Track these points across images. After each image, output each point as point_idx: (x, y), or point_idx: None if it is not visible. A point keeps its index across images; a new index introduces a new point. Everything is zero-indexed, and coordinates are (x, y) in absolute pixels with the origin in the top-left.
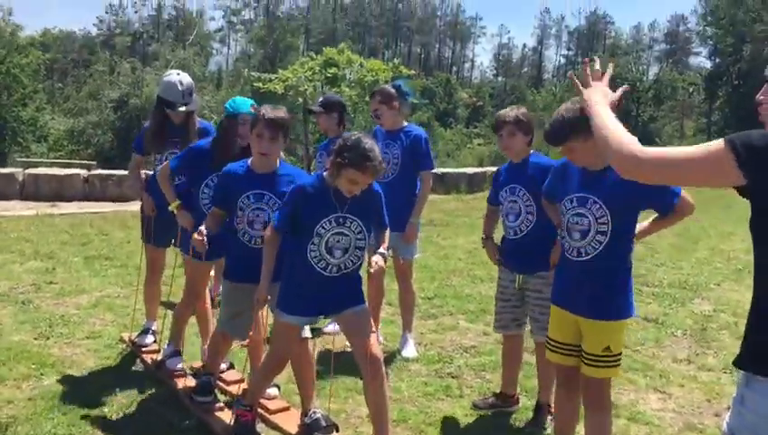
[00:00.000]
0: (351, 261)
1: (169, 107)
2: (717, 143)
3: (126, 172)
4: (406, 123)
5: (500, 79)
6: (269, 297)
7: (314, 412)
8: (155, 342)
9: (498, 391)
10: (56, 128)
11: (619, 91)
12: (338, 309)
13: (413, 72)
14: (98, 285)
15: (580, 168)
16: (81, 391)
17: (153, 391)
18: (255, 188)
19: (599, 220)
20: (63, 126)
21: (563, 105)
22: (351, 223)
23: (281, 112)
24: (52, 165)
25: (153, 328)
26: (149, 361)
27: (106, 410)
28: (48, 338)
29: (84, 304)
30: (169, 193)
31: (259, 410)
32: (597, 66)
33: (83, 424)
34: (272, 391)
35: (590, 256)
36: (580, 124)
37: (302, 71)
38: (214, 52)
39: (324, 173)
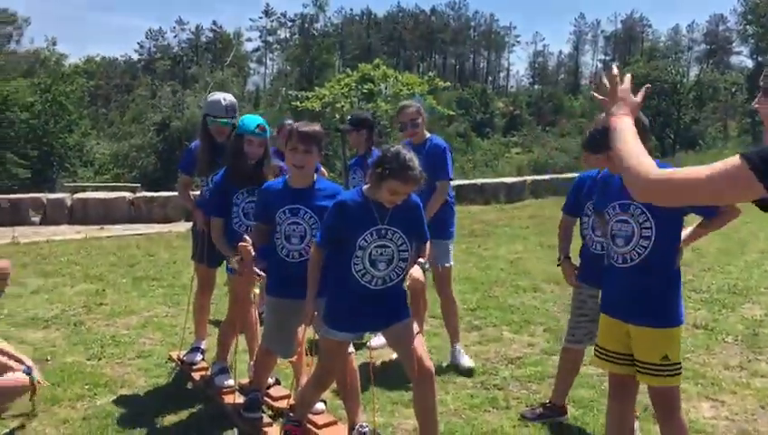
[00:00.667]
0: (396, 273)
1: (213, 120)
2: (733, 160)
3: (170, 194)
4: (428, 134)
5: (536, 87)
6: (316, 313)
7: (361, 426)
8: (203, 359)
9: (547, 401)
10: (101, 152)
11: (641, 93)
12: (385, 324)
13: (448, 84)
14: (146, 306)
15: (619, 176)
16: (134, 409)
17: (202, 408)
18: (291, 202)
19: (642, 226)
20: (108, 150)
21: (602, 114)
22: (393, 234)
23: (315, 126)
24: (98, 189)
25: (202, 346)
26: (198, 378)
27: (158, 428)
28: (100, 359)
29: (134, 325)
30: (226, 249)
31: (306, 425)
32: (615, 71)
33: None
34: (319, 405)
35: (634, 262)
36: None
37: (339, 87)
38: (251, 72)
39: (364, 187)
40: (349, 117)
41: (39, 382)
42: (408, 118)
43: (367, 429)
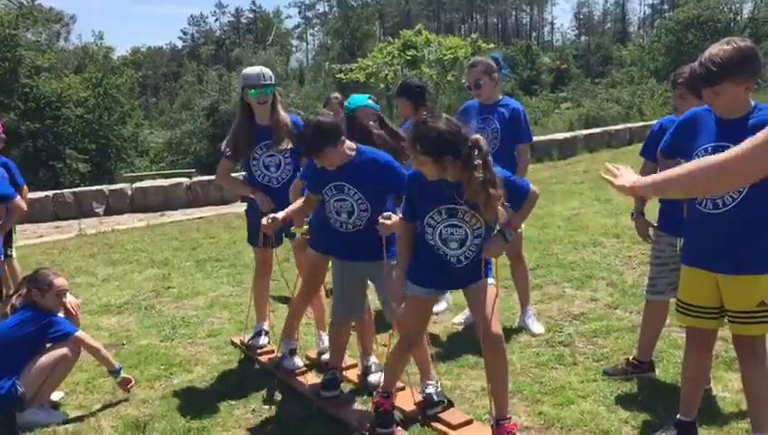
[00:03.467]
0: (471, 250)
1: (250, 88)
2: None
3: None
4: (501, 96)
5: (583, 38)
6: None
7: (426, 386)
8: (269, 342)
9: (631, 358)
10: (155, 141)
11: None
12: (463, 284)
13: (492, 45)
14: (211, 287)
15: (714, 118)
16: (209, 387)
17: (276, 382)
18: (335, 180)
19: None
20: (162, 138)
21: (714, 46)
22: (466, 215)
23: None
24: (155, 177)
25: (265, 328)
26: (267, 361)
27: (234, 403)
28: (172, 340)
29: (201, 305)
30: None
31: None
32: (609, 166)
33: (215, 417)
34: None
35: (728, 208)
36: (736, 66)
37: (381, 56)
38: (293, 49)
39: None
40: (411, 84)
41: (129, 386)
42: (471, 79)
43: (431, 390)
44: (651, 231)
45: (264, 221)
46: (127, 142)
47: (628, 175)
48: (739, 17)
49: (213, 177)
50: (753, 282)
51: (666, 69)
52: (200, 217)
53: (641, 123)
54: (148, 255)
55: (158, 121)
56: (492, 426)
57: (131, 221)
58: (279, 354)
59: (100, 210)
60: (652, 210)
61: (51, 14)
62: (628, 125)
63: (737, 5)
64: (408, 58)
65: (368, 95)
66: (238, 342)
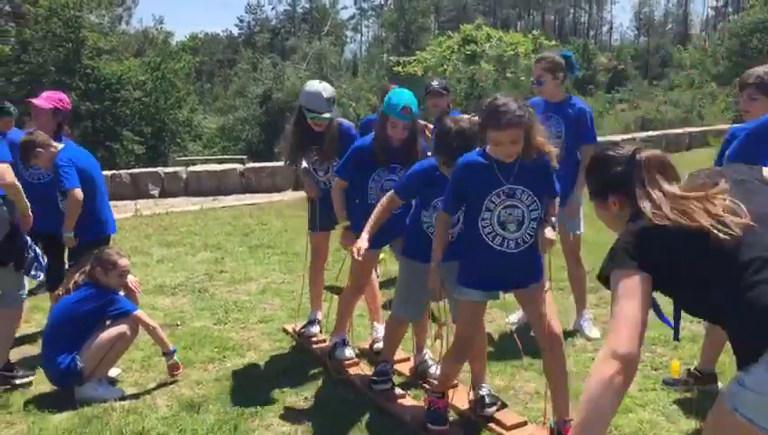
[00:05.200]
0: (529, 235)
1: (315, 116)
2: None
3: (277, 164)
4: (566, 95)
5: (642, 39)
6: (442, 279)
7: (481, 387)
8: (321, 331)
9: (692, 368)
10: (209, 126)
11: None
12: (517, 284)
13: (554, 43)
14: (263, 273)
15: None
16: (261, 372)
17: (328, 372)
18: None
19: None
20: (215, 124)
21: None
22: (522, 194)
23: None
24: (207, 161)
25: (318, 317)
26: (318, 351)
27: (286, 389)
28: (225, 323)
29: (254, 291)
30: (341, 212)
31: (426, 386)
32: None
33: (267, 402)
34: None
35: None
36: None
37: (440, 50)
38: (348, 40)
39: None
40: (436, 83)
41: (176, 372)
42: (534, 75)
43: (485, 392)
44: None
45: (354, 252)
46: (181, 126)
47: None
48: None
49: (266, 164)
50: None
51: (728, 73)
52: (252, 204)
53: (702, 128)
54: (202, 238)
55: (211, 107)
56: (555, 424)
57: (185, 204)
58: (330, 344)
59: (156, 192)
60: None
61: None
62: (688, 129)
63: None
64: (468, 53)
65: (406, 102)
66: (290, 329)
